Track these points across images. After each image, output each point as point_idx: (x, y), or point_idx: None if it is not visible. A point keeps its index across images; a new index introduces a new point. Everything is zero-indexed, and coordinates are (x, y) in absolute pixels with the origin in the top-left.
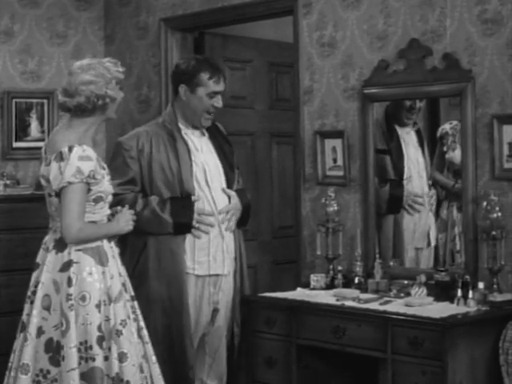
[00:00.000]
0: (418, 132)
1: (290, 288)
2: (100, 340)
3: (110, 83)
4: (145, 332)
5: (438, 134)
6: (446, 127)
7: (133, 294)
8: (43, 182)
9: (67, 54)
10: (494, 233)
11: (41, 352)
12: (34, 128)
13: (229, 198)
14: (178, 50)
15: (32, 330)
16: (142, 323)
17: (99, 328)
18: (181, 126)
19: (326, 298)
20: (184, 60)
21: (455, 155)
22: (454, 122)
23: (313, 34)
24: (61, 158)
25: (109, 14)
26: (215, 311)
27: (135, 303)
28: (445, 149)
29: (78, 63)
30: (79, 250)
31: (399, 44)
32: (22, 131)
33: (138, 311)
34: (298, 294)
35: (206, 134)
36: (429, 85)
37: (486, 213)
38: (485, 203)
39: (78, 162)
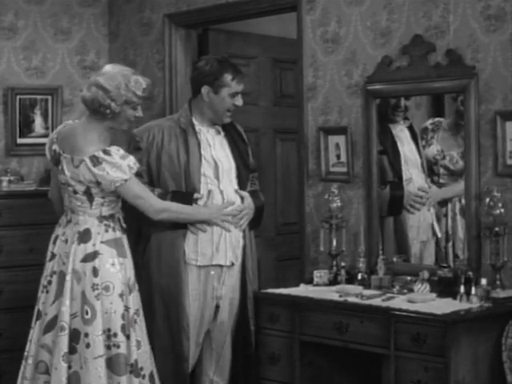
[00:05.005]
0: (410, 128)
1: (293, 284)
2: (123, 328)
3: (117, 99)
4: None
5: (419, 129)
6: (426, 123)
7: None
8: (72, 181)
9: (71, 50)
10: (496, 229)
11: None
12: (38, 124)
13: (241, 198)
14: (182, 47)
15: (66, 319)
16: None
17: (123, 316)
18: (195, 122)
19: (329, 294)
20: (204, 61)
21: (429, 151)
22: (437, 119)
23: (316, 30)
24: (98, 161)
25: (113, 10)
26: (217, 307)
27: (139, 294)
28: (424, 143)
29: (110, 67)
30: (103, 242)
31: (402, 40)
32: (26, 127)
33: (140, 302)
34: (302, 290)
35: (222, 133)
36: (432, 81)
37: (488, 209)
38: (488, 199)
39: (123, 161)
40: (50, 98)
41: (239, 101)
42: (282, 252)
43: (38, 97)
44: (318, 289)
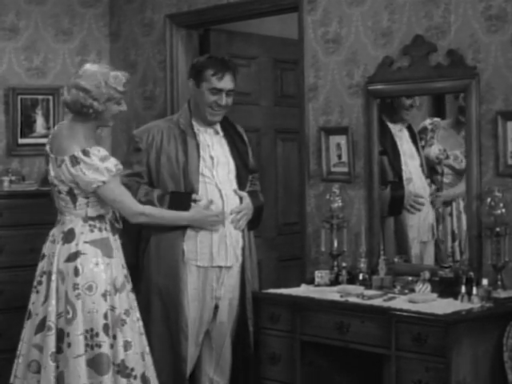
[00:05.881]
0: (409, 128)
1: (294, 284)
2: (106, 328)
3: (100, 98)
4: (140, 323)
5: (419, 128)
6: (425, 123)
7: (131, 285)
8: (55, 181)
9: (72, 50)
10: (497, 229)
11: None
12: (40, 124)
13: (240, 198)
14: (183, 47)
15: (52, 318)
16: (138, 315)
17: (105, 316)
18: (194, 122)
19: (331, 294)
20: (200, 57)
21: (430, 151)
22: (435, 119)
23: (317, 31)
24: (76, 161)
25: (114, 10)
26: (216, 308)
27: (133, 295)
28: (422, 143)
29: (87, 66)
30: (86, 242)
31: (403, 40)
32: (28, 127)
33: (135, 303)
34: (303, 290)
35: (221, 133)
36: (433, 81)
37: (490, 209)
38: (489, 200)
39: (102, 164)
40: (51, 98)
41: (221, 99)
42: (283, 252)
43: (40, 97)
44: (319, 289)
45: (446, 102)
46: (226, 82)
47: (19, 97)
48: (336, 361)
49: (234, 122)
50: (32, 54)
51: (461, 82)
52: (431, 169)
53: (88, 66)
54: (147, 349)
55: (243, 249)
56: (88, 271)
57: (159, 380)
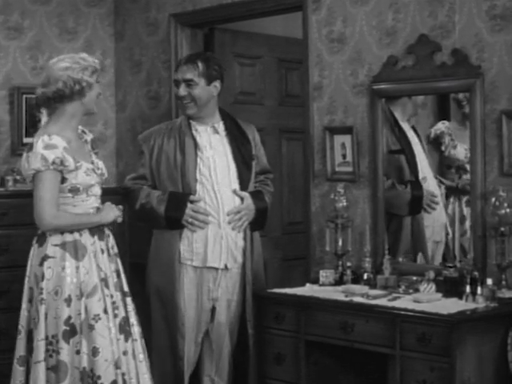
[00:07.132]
0: (413, 128)
1: (299, 284)
2: (66, 334)
3: (86, 70)
4: (135, 329)
5: (432, 134)
6: (440, 127)
7: (126, 290)
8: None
9: (77, 50)
10: (502, 229)
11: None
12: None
13: (241, 199)
14: (187, 46)
15: (23, 322)
16: (133, 320)
17: (66, 322)
18: (193, 122)
19: (335, 294)
20: None
21: (458, 152)
22: (446, 123)
23: (322, 30)
24: (30, 147)
25: (118, 9)
26: (213, 309)
27: (128, 299)
28: (443, 148)
29: (55, 58)
30: (56, 245)
31: (408, 40)
32: (32, 127)
33: (130, 307)
34: (307, 290)
35: (223, 132)
36: (438, 81)
37: (494, 209)
38: (493, 199)
39: (42, 150)
40: None
41: (179, 90)
42: (287, 252)
43: None
44: (323, 288)
45: (450, 102)
46: (181, 72)
47: (24, 96)
48: (341, 360)
49: (242, 121)
50: (37, 54)
51: (465, 81)
52: (458, 168)
53: (55, 58)
54: (141, 356)
55: (244, 250)
56: (55, 275)
57: (160, 379)
